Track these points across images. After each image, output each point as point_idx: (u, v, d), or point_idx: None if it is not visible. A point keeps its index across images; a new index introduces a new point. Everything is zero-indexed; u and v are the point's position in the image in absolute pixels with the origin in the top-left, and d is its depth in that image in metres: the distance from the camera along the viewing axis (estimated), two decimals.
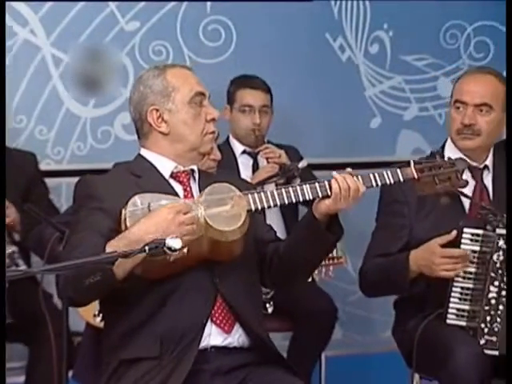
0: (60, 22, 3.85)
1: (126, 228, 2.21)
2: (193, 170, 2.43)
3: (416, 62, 4.18)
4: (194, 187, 2.42)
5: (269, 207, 2.31)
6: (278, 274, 2.41)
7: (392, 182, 2.40)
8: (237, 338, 2.33)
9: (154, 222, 2.18)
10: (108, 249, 2.15)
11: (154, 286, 2.26)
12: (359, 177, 2.35)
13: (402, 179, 2.41)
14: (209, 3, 4.02)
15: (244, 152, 3.79)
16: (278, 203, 2.31)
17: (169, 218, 2.18)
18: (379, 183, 2.39)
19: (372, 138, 4.19)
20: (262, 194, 2.30)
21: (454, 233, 2.70)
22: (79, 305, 2.37)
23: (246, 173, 3.74)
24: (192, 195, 2.40)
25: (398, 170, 2.43)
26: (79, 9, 3.87)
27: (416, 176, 2.41)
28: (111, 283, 2.17)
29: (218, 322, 2.30)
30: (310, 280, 3.32)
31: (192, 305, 2.27)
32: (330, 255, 3.33)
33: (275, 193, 2.30)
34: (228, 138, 3.81)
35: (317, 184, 2.33)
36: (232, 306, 2.31)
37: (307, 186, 2.32)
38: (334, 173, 2.32)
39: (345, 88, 4.13)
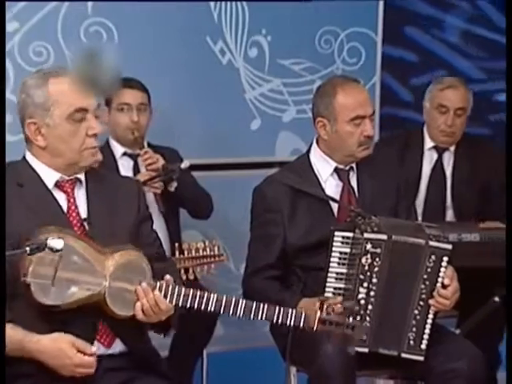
0: None
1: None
2: (78, 179, 2.45)
3: (293, 66, 4.30)
4: (80, 195, 2.44)
5: (170, 301, 2.38)
6: None
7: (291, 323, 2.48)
8: (118, 350, 2.42)
9: (54, 355, 2.23)
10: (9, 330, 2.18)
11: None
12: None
13: (302, 324, 2.50)
14: (90, 4, 4.02)
15: (124, 154, 3.82)
16: (181, 303, 2.39)
17: (67, 362, 2.24)
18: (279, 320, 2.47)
19: (252, 139, 4.29)
20: (170, 287, 2.36)
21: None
22: None
23: (126, 174, 3.77)
24: (76, 206, 2.43)
25: (303, 316, 2.51)
26: None
27: (315, 328, 2.50)
28: None
29: (97, 337, 2.37)
30: (192, 278, 3.43)
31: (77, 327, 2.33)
32: (212, 253, 3.44)
33: (182, 291, 2.37)
34: (108, 140, 3.83)
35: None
36: (113, 326, 2.39)
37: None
38: (139, 288, 2.36)
39: (226, 90, 4.21)
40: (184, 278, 3.40)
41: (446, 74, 4.56)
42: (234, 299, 2.42)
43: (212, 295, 2.40)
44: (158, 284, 2.35)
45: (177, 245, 3.47)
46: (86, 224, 2.41)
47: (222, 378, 3.83)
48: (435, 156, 4.06)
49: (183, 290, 2.37)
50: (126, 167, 3.81)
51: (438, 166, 4.05)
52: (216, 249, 3.45)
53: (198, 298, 2.37)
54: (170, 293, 2.35)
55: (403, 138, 4.17)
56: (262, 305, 2.45)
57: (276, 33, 4.24)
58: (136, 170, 3.79)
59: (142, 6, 4.06)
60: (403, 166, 3.92)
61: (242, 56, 4.23)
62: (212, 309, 2.39)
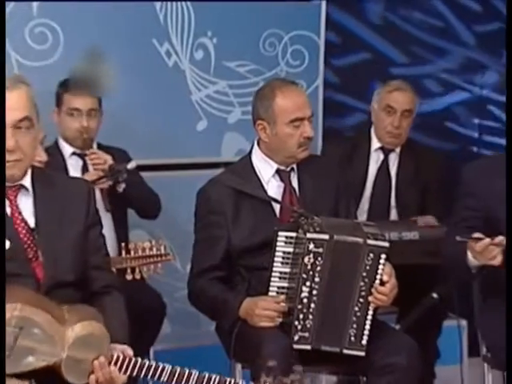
0: None
1: None
2: (22, 185, 2.46)
3: (238, 68, 4.35)
4: (26, 202, 2.44)
5: (125, 373, 2.42)
6: None
7: None
8: None
9: None
10: None
11: None
12: None
13: None
14: (35, 4, 4.02)
15: (73, 154, 3.85)
16: (135, 374, 2.43)
17: None
18: None
19: (198, 140, 4.34)
20: (127, 360, 2.40)
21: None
22: None
23: (75, 174, 3.79)
24: (19, 213, 2.44)
25: None
26: None
27: None
28: None
29: None
30: (138, 277, 3.47)
31: None
32: (158, 252, 3.48)
33: (138, 364, 2.41)
34: (57, 139, 3.85)
35: None
36: None
37: None
38: (96, 362, 2.39)
39: (172, 92, 4.24)
40: (130, 277, 3.44)
41: (369, 57, 4.70)
42: (187, 371, 2.48)
43: (167, 367, 2.45)
44: (115, 358, 2.38)
45: (123, 244, 3.49)
46: (34, 234, 2.43)
47: None
48: (381, 157, 4.17)
49: (139, 361, 2.41)
50: (74, 167, 3.83)
51: (384, 167, 4.16)
52: (162, 248, 3.49)
53: (152, 370, 2.43)
54: (125, 366, 2.40)
55: (351, 139, 4.28)
56: (214, 376, 2.51)
57: (221, 35, 4.28)
58: (85, 169, 3.82)
59: (87, 7, 4.07)
60: (350, 166, 4.03)
61: (188, 58, 4.26)
62: (165, 379, 2.45)
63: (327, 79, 4.59)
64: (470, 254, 2.87)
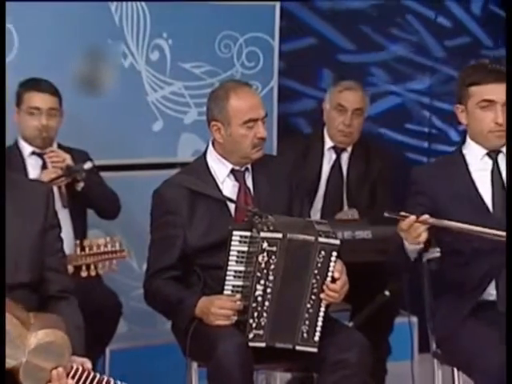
0: None
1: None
2: None
3: (194, 69, 4.37)
4: None
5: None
6: None
7: None
8: None
9: None
10: None
11: None
12: None
13: None
14: None
15: (33, 153, 3.84)
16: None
17: None
18: None
19: (155, 140, 4.36)
20: (85, 374, 2.40)
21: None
22: None
23: (34, 173, 3.80)
24: None
25: None
26: None
27: None
28: None
29: None
30: (94, 274, 3.48)
31: None
32: (113, 249, 3.50)
33: (96, 379, 2.40)
34: (16, 139, 3.85)
35: None
36: None
37: None
38: (54, 372, 2.38)
39: (128, 93, 4.25)
40: (85, 274, 3.45)
41: (316, 43, 4.75)
42: None
43: None
44: (74, 370, 2.38)
45: (78, 241, 3.50)
46: None
47: (124, 375, 3.86)
48: (334, 156, 4.24)
49: (97, 377, 2.42)
50: (34, 166, 3.83)
51: (336, 166, 4.24)
52: (117, 245, 3.51)
53: None
54: (83, 379, 2.39)
55: (305, 139, 4.34)
56: None
57: (177, 36, 4.30)
58: (44, 168, 3.80)
59: (42, 7, 4.06)
60: (304, 165, 4.09)
61: (144, 59, 4.28)
62: None
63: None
64: (405, 242, 2.93)
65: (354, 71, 4.70)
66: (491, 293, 3.05)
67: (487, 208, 3.05)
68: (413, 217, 2.83)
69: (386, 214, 2.87)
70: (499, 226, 3.01)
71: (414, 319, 4.21)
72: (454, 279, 3.06)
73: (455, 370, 3.10)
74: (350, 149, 4.23)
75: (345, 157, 4.23)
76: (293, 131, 4.73)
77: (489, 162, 3.10)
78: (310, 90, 4.75)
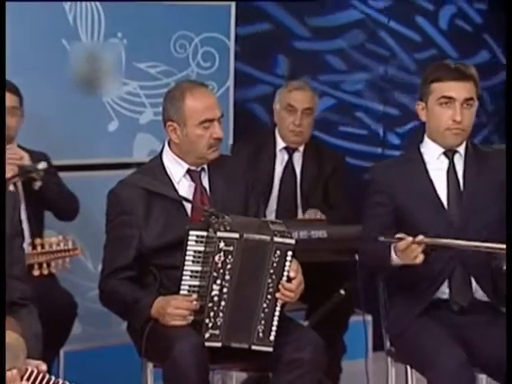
0: None
1: None
2: None
3: (149, 69, 4.36)
4: None
5: None
6: None
7: None
8: None
9: None
10: None
11: None
12: None
13: None
14: None
15: None
16: None
17: None
18: None
19: (110, 140, 4.34)
20: (40, 376, 2.35)
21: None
22: None
23: None
24: None
25: None
26: None
27: None
28: None
29: None
30: (46, 273, 3.45)
31: None
32: (66, 247, 3.49)
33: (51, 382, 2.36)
34: None
35: None
36: None
37: None
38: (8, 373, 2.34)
39: (83, 93, 4.22)
40: (38, 273, 3.43)
41: (272, 28, 4.78)
42: None
43: None
44: (28, 372, 2.36)
45: (30, 241, 3.48)
46: None
47: (79, 377, 3.83)
48: (286, 156, 4.27)
49: (52, 379, 2.38)
50: None
51: (289, 166, 4.26)
52: (70, 243, 3.49)
53: None
54: (38, 382, 2.35)
55: (257, 140, 4.35)
56: None
57: (132, 36, 4.29)
58: None
59: None
60: (257, 166, 4.10)
61: None
62: None
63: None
64: (393, 254, 2.97)
65: (308, 58, 4.72)
66: (444, 291, 3.10)
67: (443, 206, 3.10)
68: (409, 238, 2.86)
69: (381, 239, 2.91)
70: (453, 224, 3.06)
71: (369, 318, 4.26)
72: (408, 278, 3.10)
73: (408, 367, 3.14)
74: (301, 149, 4.25)
75: (297, 157, 4.26)
76: (249, 117, 4.73)
77: (445, 162, 3.15)
78: (265, 75, 4.77)
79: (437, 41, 5.17)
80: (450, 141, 3.12)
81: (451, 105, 3.07)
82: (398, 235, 2.90)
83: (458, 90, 3.06)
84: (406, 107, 4.99)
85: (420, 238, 2.86)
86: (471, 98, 3.09)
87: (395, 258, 2.96)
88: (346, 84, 5.00)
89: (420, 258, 2.88)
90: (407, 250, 2.87)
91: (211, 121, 3.10)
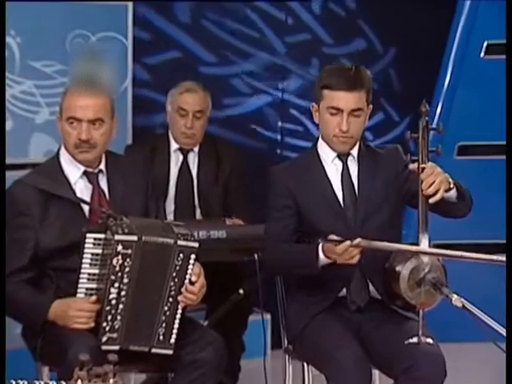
0: None
1: None
2: None
3: (45, 68, 4.28)
4: None
5: None
6: None
7: None
8: None
9: None
10: None
11: None
12: None
13: None
14: None
15: None
16: None
17: None
18: None
19: (6, 140, 4.24)
20: None
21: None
22: None
23: None
24: None
25: None
26: None
27: None
28: None
29: None
30: None
31: None
32: None
33: None
34: None
35: None
36: None
37: None
38: None
39: None
40: None
41: (180, 55, 4.77)
42: None
43: None
44: None
45: None
46: None
47: None
48: (181, 157, 4.24)
49: None
50: None
51: (184, 167, 4.24)
52: None
53: None
54: None
55: (151, 141, 4.31)
56: None
57: (26, 34, 4.21)
58: None
59: None
60: (152, 168, 4.07)
61: None
62: None
63: (139, 77, 4.62)
64: (321, 254, 3.00)
65: (215, 85, 4.68)
66: (342, 290, 3.15)
67: (341, 206, 3.16)
68: (348, 242, 2.90)
69: (320, 241, 2.96)
70: (350, 225, 3.12)
71: (268, 317, 4.30)
72: (305, 277, 3.14)
73: (305, 365, 3.18)
74: (196, 149, 4.24)
75: (192, 157, 4.24)
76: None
77: (339, 164, 3.20)
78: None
79: (310, 25, 5.09)
80: (337, 147, 3.18)
81: (339, 114, 3.10)
82: (333, 237, 2.93)
83: (347, 101, 3.08)
84: None
85: (358, 240, 2.90)
86: (359, 109, 3.11)
87: (323, 258, 3.00)
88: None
89: (356, 259, 2.94)
90: (344, 253, 2.92)
91: (79, 121, 3.05)
